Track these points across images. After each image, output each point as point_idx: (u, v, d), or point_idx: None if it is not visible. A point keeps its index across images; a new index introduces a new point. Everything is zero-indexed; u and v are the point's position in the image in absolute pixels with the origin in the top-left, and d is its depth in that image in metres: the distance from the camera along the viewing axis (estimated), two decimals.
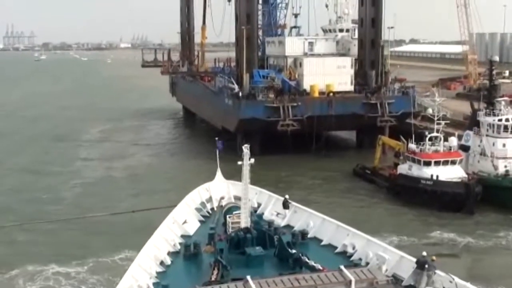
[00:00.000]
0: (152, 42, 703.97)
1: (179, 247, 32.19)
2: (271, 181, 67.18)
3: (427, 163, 62.39)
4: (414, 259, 26.93)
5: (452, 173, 61.98)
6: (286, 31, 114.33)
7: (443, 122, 64.13)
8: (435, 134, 63.90)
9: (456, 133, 68.82)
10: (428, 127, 71.01)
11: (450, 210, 58.72)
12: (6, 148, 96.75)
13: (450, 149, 63.94)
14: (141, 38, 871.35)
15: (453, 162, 62.97)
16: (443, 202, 59.41)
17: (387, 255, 28.42)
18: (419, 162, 63.06)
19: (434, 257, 26.86)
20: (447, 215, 58.11)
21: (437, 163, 62.34)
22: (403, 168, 65.38)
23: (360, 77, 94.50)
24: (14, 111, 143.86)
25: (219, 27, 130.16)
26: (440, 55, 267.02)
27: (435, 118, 63.89)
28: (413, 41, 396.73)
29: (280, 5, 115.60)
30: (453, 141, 64.89)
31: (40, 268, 45.20)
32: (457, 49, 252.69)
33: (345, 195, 67.13)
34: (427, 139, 63.47)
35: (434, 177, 60.94)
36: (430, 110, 66.33)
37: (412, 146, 64.49)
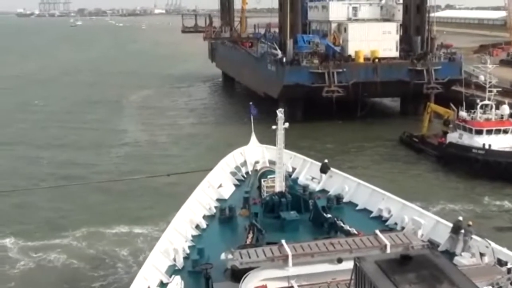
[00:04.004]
0: (186, 8, 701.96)
1: (214, 210, 32.68)
2: (314, 148, 67.17)
3: (479, 132, 60.96)
4: (450, 224, 26.97)
5: (504, 142, 60.52)
6: None
7: (494, 90, 62.09)
8: (486, 102, 62.04)
9: (506, 101, 66.73)
10: (475, 94, 69.16)
11: (503, 180, 57.13)
12: (48, 114, 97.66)
13: (502, 118, 62.10)
14: (175, 4, 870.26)
15: (505, 131, 61.42)
16: (495, 171, 57.85)
17: (422, 219, 28.46)
18: (470, 130, 61.59)
19: (470, 222, 26.80)
20: (500, 185, 56.70)
21: (489, 131, 60.93)
22: (453, 137, 63.91)
23: (405, 43, 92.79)
24: (55, 77, 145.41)
25: None
26: (478, 21, 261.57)
27: (487, 86, 61.86)
28: (448, 6, 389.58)
29: None
30: (505, 109, 62.94)
31: (78, 230, 45.60)
32: (496, 14, 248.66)
33: (393, 164, 66.19)
34: (478, 107, 61.61)
35: (486, 146, 59.22)
36: (482, 77, 64.17)
37: (463, 114, 62.70)
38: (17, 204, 52.32)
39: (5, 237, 44.38)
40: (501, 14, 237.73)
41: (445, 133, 67.09)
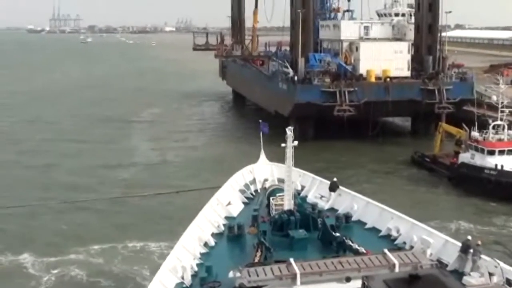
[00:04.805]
0: (196, 26, 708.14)
1: (222, 228, 32.81)
2: (325, 166, 67.07)
3: (491, 152, 60.94)
4: (459, 244, 27.01)
5: None
6: (339, 14, 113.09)
7: (507, 110, 62.21)
8: (498, 122, 62.15)
9: None
10: (486, 114, 69.24)
11: None
12: (58, 130, 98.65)
13: None
14: (185, 22, 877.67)
15: None
16: (508, 192, 57.71)
17: (431, 239, 28.57)
18: (482, 151, 61.57)
19: (479, 242, 26.82)
20: None
21: (501, 152, 60.96)
22: (465, 157, 63.91)
23: (417, 62, 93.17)
24: (66, 93, 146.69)
25: (269, 11, 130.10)
26: (487, 40, 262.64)
27: (499, 106, 62.01)
28: (458, 26, 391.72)
29: None
30: None
31: (90, 247, 45.94)
32: (506, 34, 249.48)
33: (405, 183, 66.39)
34: (490, 127, 61.71)
35: (499, 167, 59.20)
36: (494, 98, 64.34)
37: (476, 134, 62.77)
38: (30, 219, 52.91)
39: (23, 252, 44.89)
40: (511, 34, 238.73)
41: (457, 153, 67.10)
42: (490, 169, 59.79)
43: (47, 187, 63.69)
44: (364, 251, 27.12)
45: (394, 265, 24.42)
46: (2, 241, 47.54)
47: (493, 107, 64.85)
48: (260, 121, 43.09)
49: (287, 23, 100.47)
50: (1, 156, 78.56)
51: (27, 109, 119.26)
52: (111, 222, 52.06)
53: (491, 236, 48.26)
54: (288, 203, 31.26)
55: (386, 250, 25.57)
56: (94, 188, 62.88)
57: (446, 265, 26.77)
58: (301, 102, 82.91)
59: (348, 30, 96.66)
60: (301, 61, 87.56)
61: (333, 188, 36.72)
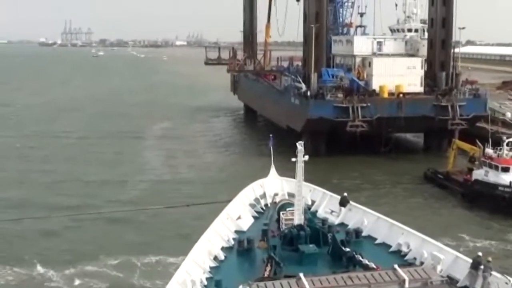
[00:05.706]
0: (207, 40, 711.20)
1: (232, 242, 32.92)
2: (337, 182, 67.27)
3: (505, 169, 60.89)
4: (470, 260, 27.04)
5: None
6: (352, 30, 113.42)
7: None
8: None
9: None
10: (499, 131, 69.03)
11: None
12: (70, 144, 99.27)
13: None
14: (196, 36, 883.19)
15: None
16: None
17: (442, 255, 28.53)
18: (496, 168, 61.49)
19: (490, 258, 26.86)
20: None
21: None
22: (479, 174, 63.82)
23: (430, 78, 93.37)
24: (79, 107, 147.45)
25: (281, 25, 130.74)
26: (499, 57, 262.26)
27: None
28: (469, 42, 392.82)
29: (346, 4, 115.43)
30: None
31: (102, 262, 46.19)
32: None
33: (418, 200, 66.30)
34: (504, 144, 61.59)
35: None
36: (508, 114, 64.24)
37: (490, 151, 62.67)
38: (45, 232, 53.33)
39: (43, 264, 45.43)
40: None
41: (470, 170, 66.98)
42: (504, 186, 59.80)
43: (56, 202, 63.53)
44: (374, 267, 27.18)
45: (404, 281, 24.44)
46: (22, 253, 47.98)
47: (507, 124, 64.68)
48: (271, 135, 43.38)
49: (299, 38, 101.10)
50: (15, 169, 79.14)
51: (40, 122, 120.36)
52: (123, 235, 52.37)
53: (504, 253, 48.17)
54: (298, 218, 31.32)
55: (396, 266, 25.62)
56: (104, 200, 63.24)
57: (457, 282, 26.78)
58: (314, 117, 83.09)
59: (361, 46, 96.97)
60: (314, 76, 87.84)
61: (343, 203, 36.86)
